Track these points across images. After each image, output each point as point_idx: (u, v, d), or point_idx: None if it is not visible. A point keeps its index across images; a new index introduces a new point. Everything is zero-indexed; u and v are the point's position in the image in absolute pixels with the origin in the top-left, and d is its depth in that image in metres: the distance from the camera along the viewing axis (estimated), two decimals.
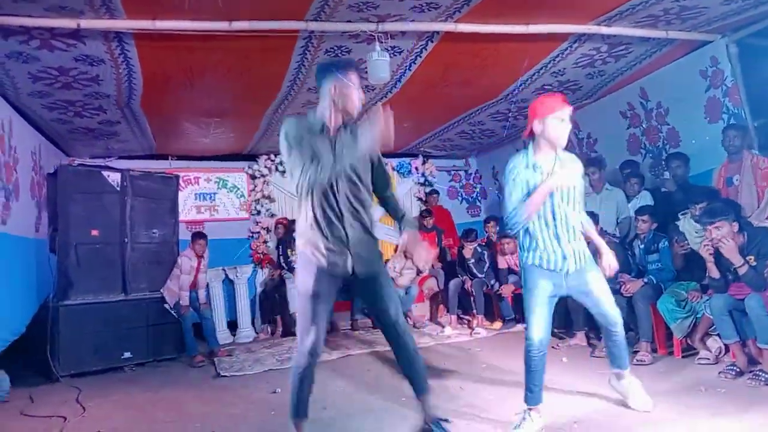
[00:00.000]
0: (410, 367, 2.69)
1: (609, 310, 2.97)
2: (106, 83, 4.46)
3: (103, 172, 5.66)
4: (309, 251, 2.54)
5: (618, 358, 3.10)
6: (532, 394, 2.86)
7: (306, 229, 2.55)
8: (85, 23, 3.41)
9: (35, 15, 3.30)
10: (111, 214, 5.60)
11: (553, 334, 4.98)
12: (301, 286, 2.59)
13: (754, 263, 3.44)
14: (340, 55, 4.34)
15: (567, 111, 2.78)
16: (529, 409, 2.86)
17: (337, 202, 2.52)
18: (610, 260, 3.03)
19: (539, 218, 2.83)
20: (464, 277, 6.44)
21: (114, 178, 5.65)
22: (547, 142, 2.81)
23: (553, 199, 2.80)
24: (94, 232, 5.49)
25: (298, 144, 2.46)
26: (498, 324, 6.11)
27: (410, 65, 4.68)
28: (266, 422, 3.41)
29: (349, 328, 6.65)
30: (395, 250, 7.75)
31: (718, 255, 3.55)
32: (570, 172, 2.84)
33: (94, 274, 5.41)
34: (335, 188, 2.51)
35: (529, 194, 2.78)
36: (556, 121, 2.76)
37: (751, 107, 4.56)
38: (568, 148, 6.26)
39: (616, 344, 3.07)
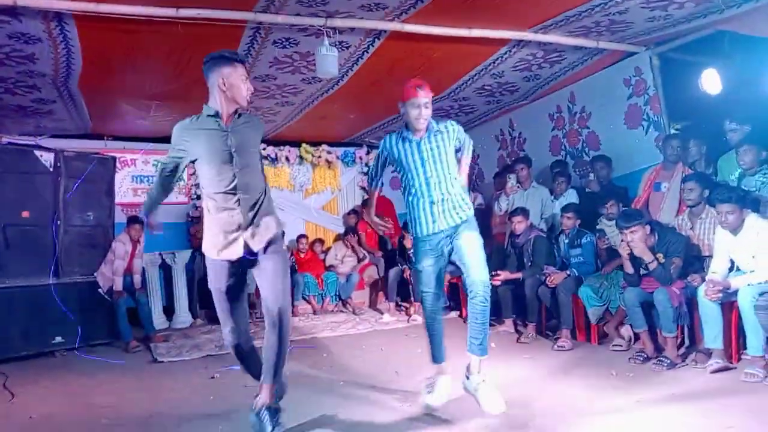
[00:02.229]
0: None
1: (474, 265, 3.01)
2: (42, 62, 4.30)
3: (35, 152, 5.44)
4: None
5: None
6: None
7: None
8: (23, 1, 3.30)
9: None
10: (43, 195, 5.41)
11: None
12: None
13: (663, 261, 3.81)
14: (287, 46, 4.38)
15: (422, 99, 2.98)
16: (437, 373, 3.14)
17: (235, 189, 2.62)
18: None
19: (415, 182, 3.08)
20: (404, 266, 6.65)
21: (47, 158, 5.45)
22: (409, 122, 3.06)
23: (425, 167, 3.04)
24: (25, 214, 5.28)
25: (192, 141, 2.63)
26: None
27: (357, 60, 4.78)
28: (207, 406, 3.47)
29: None
30: (336, 239, 7.90)
31: (632, 253, 3.91)
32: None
33: (24, 257, 5.22)
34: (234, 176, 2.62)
35: (399, 165, 3.12)
36: (410, 106, 3.00)
37: (669, 115, 4.98)
38: (501, 146, 6.60)
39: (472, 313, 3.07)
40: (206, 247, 2.72)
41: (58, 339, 5.26)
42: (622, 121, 5.23)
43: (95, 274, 5.56)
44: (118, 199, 6.32)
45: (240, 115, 2.71)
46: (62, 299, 5.33)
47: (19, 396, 3.88)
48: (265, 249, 2.67)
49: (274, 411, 2.68)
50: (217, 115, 2.64)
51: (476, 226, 3.12)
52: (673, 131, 4.98)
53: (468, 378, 3.00)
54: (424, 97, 3.00)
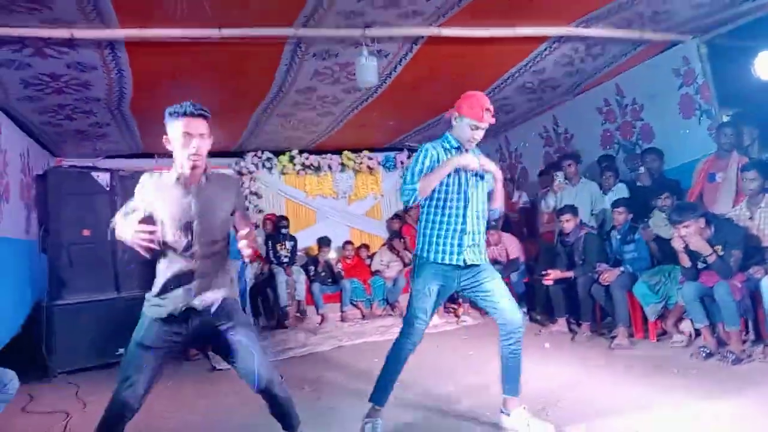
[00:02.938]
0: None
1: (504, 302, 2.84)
2: (96, 88, 4.53)
3: (92, 173, 5.71)
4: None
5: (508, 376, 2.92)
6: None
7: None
8: (79, 33, 3.50)
9: (31, 26, 3.37)
10: (101, 213, 5.65)
11: (535, 321, 5.28)
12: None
13: (722, 253, 3.68)
14: (327, 58, 4.46)
15: (485, 123, 2.77)
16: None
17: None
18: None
19: (447, 208, 2.81)
20: None
21: (103, 178, 5.71)
22: (458, 139, 2.83)
23: (467, 197, 2.80)
24: (86, 232, 5.55)
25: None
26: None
27: (395, 67, 4.82)
28: (264, 413, 3.54)
29: (339, 320, 6.82)
30: (382, 244, 7.94)
31: (688, 247, 3.79)
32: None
33: (87, 274, 5.47)
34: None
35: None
36: (469, 126, 2.77)
37: (720, 103, 4.80)
38: (547, 143, 6.49)
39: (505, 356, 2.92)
40: None
41: (122, 350, 5.47)
42: (677, 111, 5.07)
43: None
44: None
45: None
46: (124, 313, 5.56)
47: (90, 405, 4.07)
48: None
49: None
50: None
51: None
52: (724, 119, 4.80)
53: (509, 414, 2.86)
54: (487, 122, 2.77)
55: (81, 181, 5.60)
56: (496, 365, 3.05)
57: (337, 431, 3.08)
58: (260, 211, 7.79)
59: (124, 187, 5.81)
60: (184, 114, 2.34)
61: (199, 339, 2.57)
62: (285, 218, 7.36)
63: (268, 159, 7.83)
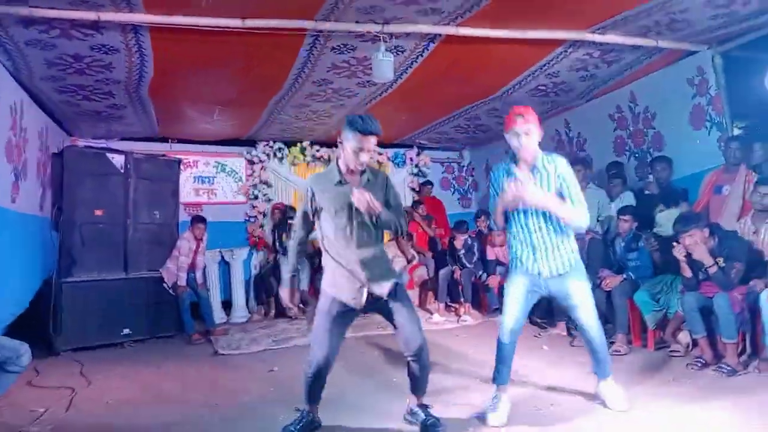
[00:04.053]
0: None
1: (587, 320, 3.10)
2: (117, 70, 4.60)
3: (107, 155, 5.81)
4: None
5: (597, 365, 3.24)
6: (499, 375, 3.14)
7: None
8: (105, 16, 3.57)
9: (59, 7, 3.45)
10: (115, 195, 5.77)
11: (535, 324, 5.33)
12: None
13: (723, 265, 3.72)
14: (345, 52, 4.52)
15: (520, 128, 2.92)
16: (498, 392, 3.11)
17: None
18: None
19: (515, 225, 3.05)
20: (454, 266, 6.69)
21: (118, 160, 5.81)
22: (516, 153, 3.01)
23: (526, 212, 2.99)
24: (98, 212, 5.66)
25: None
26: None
27: (411, 64, 4.87)
28: (267, 396, 3.65)
29: None
30: (389, 239, 8.00)
31: (690, 256, 3.83)
32: (544, 181, 2.98)
33: (97, 253, 5.59)
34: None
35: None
36: (512, 136, 2.96)
37: (732, 115, 4.81)
38: (559, 147, 6.51)
39: (592, 351, 3.21)
40: None
41: (127, 331, 5.59)
42: (687, 122, 5.09)
43: (161, 270, 5.87)
44: (181, 199, 6.65)
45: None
46: (131, 293, 5.67)
47: (95, 382, 4.18)
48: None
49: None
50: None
51: (584, 271, 3.12)
52: (736, 131, 4.82)
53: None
54: (523, 124, 2.91)
55: (96, 161, 5.70)
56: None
57: (340, 417, 3.15)
58: (269, 200, 7.87)
59: (138, 169, 5.92)
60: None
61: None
62: (293, 208, 7.42)
63: (280, 149, 7.91)
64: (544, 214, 2.98)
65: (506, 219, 3.10)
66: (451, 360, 4.39)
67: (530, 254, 3.02)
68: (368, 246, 2.79)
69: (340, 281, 2.79)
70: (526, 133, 2.92)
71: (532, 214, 2.99)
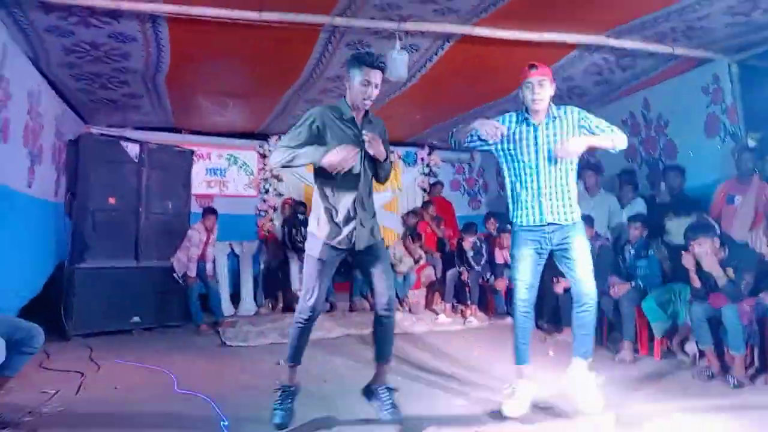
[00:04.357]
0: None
1: (582, 275, 3.05)
2: (134, 59, 4.65)
3: (122, 143, 5.88)
4: None
5: (576, 340, 3.15)
6: (517, 353, 3.15)
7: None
8: (124, 4, 3.61)
9: None
10: (128, 183, 5.83)
11: (541, 329, 5.31)
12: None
13: (733, 276, 3.69)
14: (359, 48, 4.53)
15: (534, 78, 2.96)
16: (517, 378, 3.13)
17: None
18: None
19: (522, 168, 3.08)
20: (462, 268, 6.69)
21: (132, 149, 5.87)
22: (527, 105, 3.05)
23: (537, 154, 3.02)
24: (111, 200, 5.72)
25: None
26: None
27: (426, 63, 4.88)
28: (272, 389, 3.65)
29: (348, 309, 6.92)
30: (399, 238, 8.01)
31: (699, 266, 3.81)
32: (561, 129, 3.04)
33: (109, 240, 5.65)
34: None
35: (509, 142, 3.10)
36: (525, 87, 3.00)
37: (747, 125, 4.78)
38: None
39: (578, 323, 3.13)
40: None
41: (136, 318, 5.65)
42: (702, 130, 5.04)
43: (171, 259, 5.91)
44: (193, 191, 6.70)
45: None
46: (141, 281, 5.73)
47: (103, 368, 4.23)
48: None
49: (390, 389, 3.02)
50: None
51: (584, 231, 3.14)
52: (751, 142, 4.78)
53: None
54: (538, 75, 2.94)
55: (111, 149, 5.77)
56: (499, 367, 3.14)
57: (342, 411, 3.16)
58: (279, 195, 7.90)
59: (152, 159, 5.98)
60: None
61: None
62: (303, 204, 7.44)
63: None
64: (553, 159, 3.00)
65: (510, 163, 3.14)
66: (454, 361, 4.40)
67: (536, 199, 3.03)
68: (363, 188, 2.87)
69: (331, 223, 2.84)
70: (540, 83, 2.95)
71: (544, 157, 3.01)
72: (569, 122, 3.04)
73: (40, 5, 3.63)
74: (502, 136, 3.02)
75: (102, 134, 6.37)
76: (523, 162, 3.05)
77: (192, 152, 6.63)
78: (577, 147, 2.98)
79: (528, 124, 3.04)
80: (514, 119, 3.11)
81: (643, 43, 4.50)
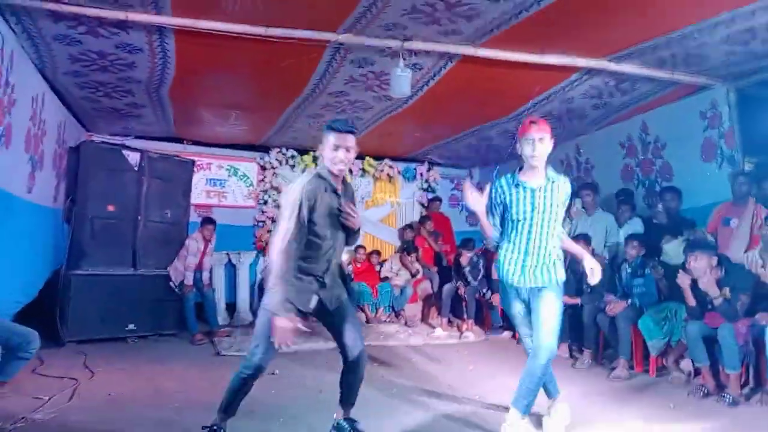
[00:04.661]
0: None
1: (545, 337, 3.00)
2: (140, 70, 4.69)
3: (123, 151, 5.90)
4: None
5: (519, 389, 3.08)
6: (546, 392, 3.24)
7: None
8: (133, 16, 3.66)
9: (88, 5, 3.54)
10: (128, 191, 5.85)
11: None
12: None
13: (729, 296, 3.73)
14: (363, 65, 4.59)
15: (535, 134, 2.95)
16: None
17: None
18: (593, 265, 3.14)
19: (515, 231, 3.09)
20: (458, 282, 6.70)
21: (133, 157, 5.90)
22: (525, 161, 3.05)
23: (532, 220, 3.03)
24: (111, 208, 5.73)
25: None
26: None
27: (428, 81, 4.94)
28: (268, 399, 3.67)
29: None
30: (395, 251, 8.04)
31: (695, 285, 3.84)
32: (556, 193, 3.05)
33: (107, 248, 5.65)
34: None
35: (506, 209, 3.11)
36: (525, 142, 2.98)
37: (744, 150, 4.85)
38: (567, 170, 6.52)
39: (528, 371, 3.09)
40: None
41: (131, 326, 5.63)
42: (698, 155, 5.12)
43: (168, 268, 5.91)
44: (192, 200, 6.72)
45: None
46: (137, 289, 5.72)
47: (98, 374, 4.22)
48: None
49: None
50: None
51: (561, 292, 3.11)
52: (747, 167, 4.85)
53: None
54: (538, 131, 2.94)
55: (112, 157, 5.79)
56: (494, 381, 3.15)
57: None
58: (278, 206, 7.93)
59: (152, 168, 6.00)
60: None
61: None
62: None
63: (292, 157, 7.98)
64: (546, 225, 3.03)
65: (504, 224, 3.16)
66: (448, 374, 4.40)
67: (520, 258, 3.06)
68: (334, 256, 2.84)
69: (298, 285, 2.71)
70: (540, 140, 2.95)
71: (538, 223, 3.03)
72: (561, 192, 3.05)
73: (49, 14, 3.68)
74: (502, 202, 3.13)
75: (102, 142, 6.39)
76: (518, 220, 3.07)
77: (193, 162, 6.67)
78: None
79: (524, 189, 3.03)
80: (504, 183, 3.12)
81: (644, 68, 4.56)
